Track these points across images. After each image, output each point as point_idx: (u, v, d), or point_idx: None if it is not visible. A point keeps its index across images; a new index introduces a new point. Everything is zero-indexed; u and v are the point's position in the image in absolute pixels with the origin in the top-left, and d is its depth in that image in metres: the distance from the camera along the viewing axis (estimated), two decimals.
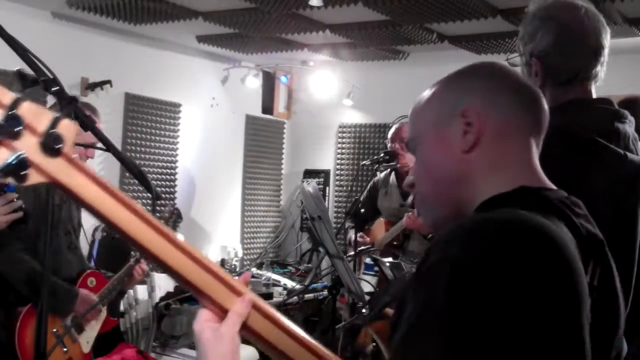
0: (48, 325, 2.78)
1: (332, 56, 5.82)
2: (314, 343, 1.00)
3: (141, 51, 5.39)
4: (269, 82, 6.61)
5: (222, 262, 5.88)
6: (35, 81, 0.83)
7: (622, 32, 4.36)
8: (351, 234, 4.45)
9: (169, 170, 5.68)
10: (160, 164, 5.59)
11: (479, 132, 1.06)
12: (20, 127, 0.82)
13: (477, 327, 0.83)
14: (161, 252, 0.91)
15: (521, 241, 0.88)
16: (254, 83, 6.30)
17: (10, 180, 0.83)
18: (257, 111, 6.59)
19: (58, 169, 0.85)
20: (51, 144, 0.84)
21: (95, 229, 4.85)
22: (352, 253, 4.07)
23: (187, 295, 4.77)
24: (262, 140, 6.60)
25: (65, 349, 2.97)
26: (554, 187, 1.07)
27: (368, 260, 4.30)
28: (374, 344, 3.02)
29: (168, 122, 5.63)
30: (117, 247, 4.28)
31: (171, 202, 5.56)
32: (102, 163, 5.01)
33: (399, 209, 4.47)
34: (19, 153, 0.82)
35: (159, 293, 4.83)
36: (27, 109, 0.83)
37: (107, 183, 0.90)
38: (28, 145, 0.83)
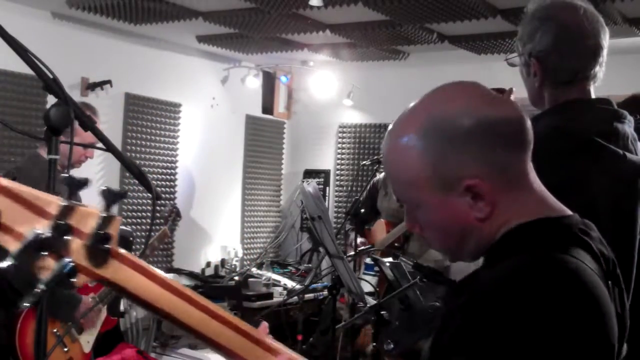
0: (48, 326, 2.80)
1: (332, 56, 5.82)
2: None
3: (141, 51, 5.39)
4: (269, 82, 6.61)
5: (222, 262, 5.88)
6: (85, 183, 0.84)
7: (622, 32, 4.36)
8: (352, 236, 4.45)
9: (169, 170, 5.68)
10: (160, 164, 5.59)
11: (492, 203, 1.03)
12: (69, 238, 0.82)
13: None
14: (213, 334, 0.94)
15: (559, 296, 0.91)
16: (254, 83, 6.30)
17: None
18: (257, 111, 6.59)
19: (106, 268, 0.85)
20: (99, 245, 0.83)
21: None
22: (352, 253, 4.08)
23: None
24: (262, 140, 6.60)
25: (65, 349, 2.98)
26: (569, 211, 1.07)
27: (368, 260, 4.30)
28: (374, 344, 3.01)
29: (168, 122, 5.64)
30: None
31: (171, 201, 5.56)
32: (102, 163, 5.02)
33: (398, 209, 4.47)
34: (67, 261, 0.81)
35: None
36: (74, 214, 0.82)
37: (154, 271, 0.90)
38: (75, 250, 0.82)
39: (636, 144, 1.70)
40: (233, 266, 5.81)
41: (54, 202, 0.81)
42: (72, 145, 1.64)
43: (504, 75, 2.26)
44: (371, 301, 2.92)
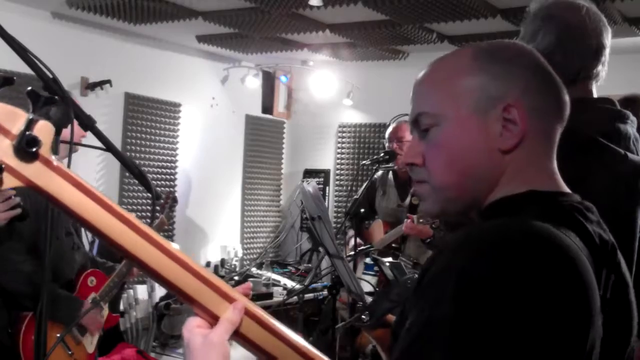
0: (52, 329, 2.80)
1: (332, 56, 5.82)
2: (309, 348, 0.98)
3: (141, 51, 5.38)
4: (269, 82, 6.61)
5: (222, 262, 5.88)
6: (8, 80, 0.83)
7: (622, 32, 4.36)
8: (349, 234, 4.45)
9: (169, 170, 5.68)
10: (160, 164, 5.59)
11: (522, 135, 1.00)
12: None
13: (481, 340, 0.81)
14: (147, 258, 0.89)
15: (530, 254, 0.85)
16: (254, 83, 6.30)
17: None
18: (257, 111, 6.59)
19: (34, 172, 0.82)
20: (25, 147, 0.81)
21: None
22: (351, 253, 4.08)
23: None
24: (262, 140, 6.60)
25: (70, 352, 2.97)
26: (567, 190, 1.04)
27: (368, 260, 4.30)
28: (374, 344, 3.01)
29: (168, 122, 5.63)
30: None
31: (167, 188, 5.53)
32: (102, 163, 5.02)
33: (396, 209, 4.47)
34: None
35: (159, 293, 4.83)
36: (3, 112, 0.80)
37: (88, 185, 0.87)
38: (1, 149, 0.80)
39: (638, 144, 1.70)
40: (233, 266, 5.81)
41: None
42: (72, 145, 1.64)
43: None
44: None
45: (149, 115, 5.46)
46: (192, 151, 5.88)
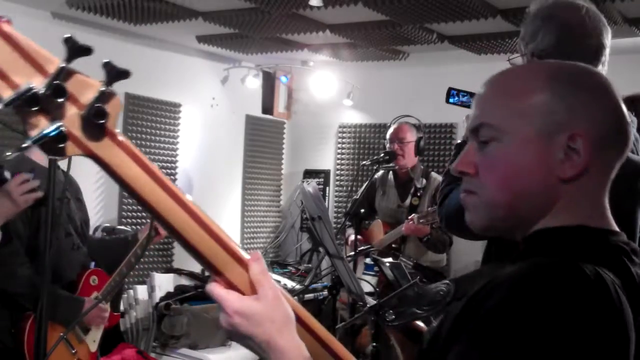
0: (55, 329, 2.79)
1: (332, 56, 5.82)
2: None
3: (141, 51, 5.38)
4: (269, 82, 6.61)
5: None
6: (88, 50, 0.79)
7: (622, 32, 4.36)
8: (348, 233, 4.44)
9: (169, 170, 5.68)
10: (160, 164, 5.59)
11: (583, 167, 0.98)
12: (63, 99, 0.79)
13: None
14: (195, 240, 0.93)
15: (585, 309, 0.86)
16: (254, 83, 6.30)
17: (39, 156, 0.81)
18: (257, 111, 6.59)
19: (99, 145, 0.82)
20: (93, 119, 0.81)
21: (95, 229, 4.85)
22: (351, 253, 4.07)
23: (187, 295, 4.78)
24: (262, 140, 6.60)
25: (73, 351, 2.98)
26: (616, 228, 1.04)
27: (368, 260, 4.30)
28: (374, 344, 3.01)
29: (168, 122, 5.63)
30: (117, 247, 4.28)
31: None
32: None
33: (396, 209, 4.47)
34: (58, 124, 0.79)
35: (159, 293, 4.83)
36: (72, 79, 0.80)
37: (149, 163, 0.88)
38: (68, 117, 0.80)
39: (638, 144, 1.70)
40: None
41: (54, 61, 0.79)
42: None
43: None
44: (371, 301, 2.92)
45: (149, 116, 5.46)
46: (192, 151, 5.88)
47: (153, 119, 5.50)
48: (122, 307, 4.63)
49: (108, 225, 4.95)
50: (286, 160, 6.84)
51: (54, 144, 0.79)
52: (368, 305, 2.87)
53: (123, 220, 5.23)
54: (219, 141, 6.14)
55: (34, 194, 2.61)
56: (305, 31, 4.87)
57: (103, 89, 0.81)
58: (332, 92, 6.32)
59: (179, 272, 5.41)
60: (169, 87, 5.63)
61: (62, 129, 0.79)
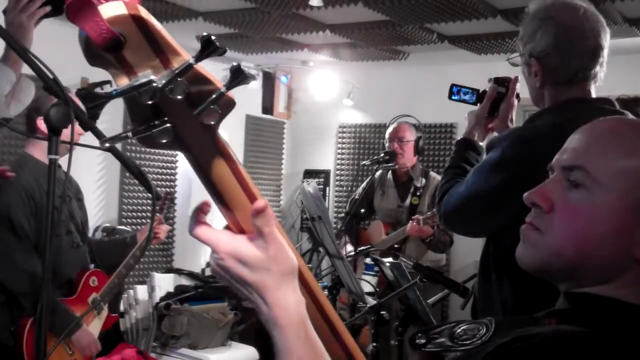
0: (51, 338, 2.78)
1: (332, 56, 5.82)
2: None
3: None
4: (269, 82, 6.61)
5: None
6: (222, 51, 0.76)
7: (622, 32, 4.36)
8: (343, 240, 4.44)
9: (169, 171, 5.68)
10: (160, 164, 5.59)
11: None
12: (181, 97, 0.76)
13: None
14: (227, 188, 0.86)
15: None
16: (254, 83, 6.30)
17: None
18: (257, 111, 6.59)
19: (203, 148, 0.80)
20: (204, 120, 0.78)
21: (96, 229, 4.85)
22: (352, 253, 4.08)
23: (187, 295, 4.78)
24: (262, 140, 6.60)
25: (70, 352, 2.98)
26: None
27: (368, 260, 4.30)
28: (374, 344, 3.01)
29: None
30: (116, 249, 4.28)
31: (162, 189, 5.51)
32: (102, 163, 5.02)
33: (396, 209, 4.47)
34: (166, 122, 0.76)
35: (159, 293, 4.83)
36: (194, 76, 0.77)
37: (243, 174, 0.85)
38: (179, 115, 0.77)
39: None
40: None
41: (182, 56, 0.77)
42: (72, 145, 1.64)
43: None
44: (371, 301, 2.92)
45: None
46: None
47: None
48: (122, 307, 4.63)
49: (108, 225, 4.95)
50: (286, 160, 6.85)
51: (156, 139, 0.77)
52: (368, 305, 2.88)
53: (123, 220, 5.23)
54: None
55: (41, 9, 2.24)
56: (305, 31, 4.87)
57: (223, 90, 0.79)
58: (332, 92, 6.32)
59: (179, 272, 5.41)
60: None
61: (169, 126, 0.76)
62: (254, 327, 4.88)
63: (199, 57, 0.78)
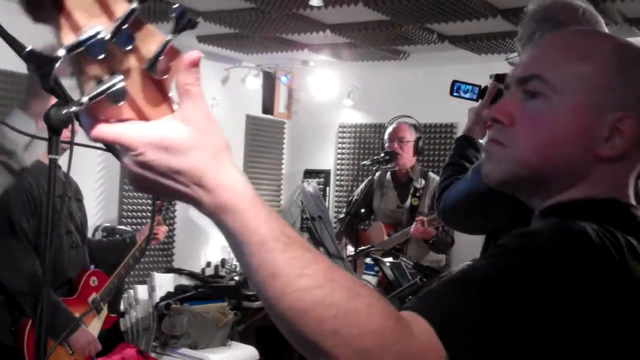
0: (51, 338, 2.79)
1: (333, 56, 5.82)
2: None
3: None
4: (270, 82, 6.61)
5: (223, 262, 5.88)
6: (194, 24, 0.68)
7: (622, 32, 4.36)
8: (344, 240, 4.44)
9: None
10: None
11: (625, 151, 0.94)
12: (129, 47, 0.68)
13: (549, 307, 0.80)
14: None
15: (607, 265, 0.84)
16: (255, 83, 6.30)
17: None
18: (257, 111, 6.59)
19: (153, 108, 0.71)
20: (156, 74, 0.70)
21: (96, 229, 4.85)
22: (352, 253, 4.08)
23: (187, 295, 4.78)
24: (263, 140, 6.60)
25: (71, 352, 2.98)
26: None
27: (368, 260, 4.30)
28: None
29: None
30: (115, 249, 4.27)
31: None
32: (102, 163, 5.02)
33: (396, 210, 4.47)
34: (118, 78, 0.68)
35: (159, 293, 4.83)
36: (140, 28, 0.69)
37: None
38: (129, 71, 0.69)
39: None
40: (233, 266, 5.81)
41: (124, 4, 0.68)
42: (73, 145, 1.64)
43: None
44: None
45: None
46: None
47: None
48: (122, 307, 4.63)
49: (108, 225, 4.95)
50: (286, 160, 6.85)
51: (111, 101, 0.68)
52: None
53: (123, 220, 5.23)
54: None
55: None
56: (306, 31, 4.87)
57: (169, 38, 0.69)
58: (332, 92, 6.32)
59: (179, 272, 5.41)
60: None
61: (121, 85, 0.68)
62: (254, 327, 4.88)
63: (141, 1, 0.69)
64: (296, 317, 0.73)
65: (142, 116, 0.71)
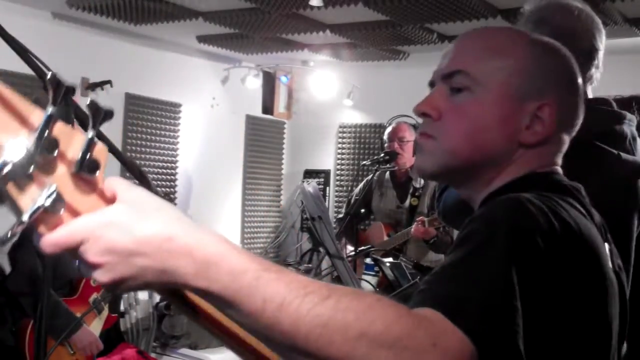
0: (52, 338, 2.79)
1: (333, 56, 5.82)
2: None
3: (141, 51, 5.39)
4: (269, 82, 6.61)
5: None
6: (71, 90, 0.66)
7: (622, 32, 4.36)
8: (343, 241, 4.44)
9: (169, 171, 5.68)
10: (160, 164, 5.59)
11: (545, 136, 1.01)
12: (54, 155, 0.65)
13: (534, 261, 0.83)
14: None
15: (563, 218, 0.89)
16: (254, 83, 6.30)
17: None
18: (257, 111, 6.59)
19: (89, 202, 0.69)
20: (87, 174, 0.68)
21: None
22: (352, 253, 4.07)
23: None
24: (262, 140, 6.60)
25: (72, 352, 2.98)
26: (560, 171, 1.07)
27: (368, 260, 4.30)
28: None
29: (168, 122, 5.64)
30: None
31: (169, 189, 5.53)
32: None
33: (395, 210, 4.47)
34: (53, 189, 0.65)
35: None
36: (60, 130, 0.66)
37: None
38: (60, 178, 0.66)
39: (635, 143, 1.70)
40: None
41: (36, 111, 0.65)
42: None
43: None
44: None
45: (149, 116, 5.47)
46: (192, 151, 5.89)
47: (153, 119, 5.50)
48: (122, 307, 4.63)
49: None
50: (286, 160, 6.85)
51: (50, 213, 0.65)
52: None
53: None
54: (219, 141, 6.14)
55: None
56: (306, 31, 4.87)
57: (90, 136, 0.68)
58: (332, 92, 6.32)
59: None
60: (169, 87, 5.63)
61: (56, 192, 0.65)
62: None
63: (55, 102, 0.67)
64: (320, 337, 0.69)
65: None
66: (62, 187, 0.66)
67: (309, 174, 6.60)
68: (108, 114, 0.69)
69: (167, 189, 5.64)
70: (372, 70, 6.09)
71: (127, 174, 1.21)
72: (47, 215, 0.65)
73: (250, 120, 6.48)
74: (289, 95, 6.88)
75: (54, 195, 0.65)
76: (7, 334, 2.83)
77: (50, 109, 0.65)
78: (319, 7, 4.10)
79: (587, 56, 1.75)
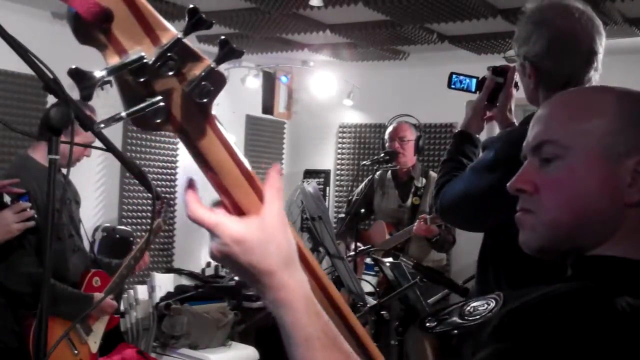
0: (59, 328, 2.79)
1: (333, 56, 5.82)
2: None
3: None
4: (269, 82, 6.61)
5: None
6: (209, 24, 0.76)
7: (622, 32, 4.36)
8: (348, 240, 4.44)
9: (169, 170, 5.68)
10: (160, 164, 5.59)
11: None
12: (172, 72, 0.75)
13: None
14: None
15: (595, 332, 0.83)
16: (254, 83, 6.30)
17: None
18: (257, 111, 6.59)
19: (193, 124, 0.78)
20: (196, 97, 0.76)
21: (96, 229, 4.85)
22: (352, 253, 4.07)
23: (187, 295, 4.78)
24: (262, 140, 6.60)
25: (76, 352, 2.99)
26: None
27: (368, 260, 4.30)
28: (375, 344, 3.01)
29: None
30: (117, 247, 4.27)
31: (168, 188, 5.54)
32: (102, 163, 5.02)
33: (397, 209, 4.47)
34: (158, 99, 0.75)
35: (159, 293, 4.84)
36: (183, 53, 0.76)
37: (235, 149, 0.85)
38: (170, 91, 0.76)
39: None
40: None
41: (170, 32, 0.75)
42: (72, 145, 1.64)
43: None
44: (371, 301, 2.92)
45: None
46: None
47: None
48: (122, 307, 4.63)
49: (108, 225, 4.95)
50: (286, 160, 6.85)
51: (150, 119, 0.75)
52: (368, 305, 2.88)
53: (123, 220, 5.23)
54: None
55: (27, 223, 2.68)
56: (306, 31, 4.87)
57: (213, 65, 0.76)
58: (332, 92, 6.32)
59: (179, 272, 5.41)
60: None
61: (162, 104, 0.75)
62: (254, 328, 4.88)
63: (187, 31, 0.75)
64: None
65: (182, 131, 0.79)
66: (172, 102, 0.76)
67: (309, 173, 6.60)
68: (237, 53, 0.78)
69: (167, 189, 5.64)
70: (372, 70, 6.09)
71: (127, 174, 1.21)
72: (149, 118, 0.75)
73: (250, 120, 6.48)
74: (289, 95, 6.88)
75: (157, 105, 0.75)
76: (9, 335, 2.83)
77: (179, 34, 0.74)
78: (319, 7, 4.10)
79: (586, 59, 1.76)
